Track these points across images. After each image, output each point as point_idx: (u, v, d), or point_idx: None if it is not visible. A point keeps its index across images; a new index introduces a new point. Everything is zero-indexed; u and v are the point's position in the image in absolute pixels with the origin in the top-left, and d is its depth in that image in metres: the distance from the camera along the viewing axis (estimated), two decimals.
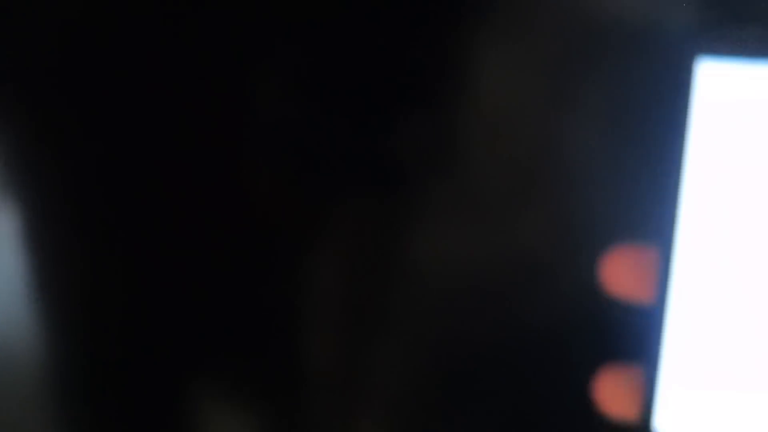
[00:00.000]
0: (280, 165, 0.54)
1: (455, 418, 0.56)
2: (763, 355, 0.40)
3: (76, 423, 0.59)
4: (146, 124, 0.54)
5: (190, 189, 0.55)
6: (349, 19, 0.52)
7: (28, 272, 0.57)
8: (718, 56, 0.40)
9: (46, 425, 0.59)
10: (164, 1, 0.53)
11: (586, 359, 0.45)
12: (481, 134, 0.52)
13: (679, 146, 0.41)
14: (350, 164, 0.53)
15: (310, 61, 0.53)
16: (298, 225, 0.55)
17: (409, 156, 0.53)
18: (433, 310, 0.55)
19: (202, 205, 0.55)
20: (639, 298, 0.41)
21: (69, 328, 0.58)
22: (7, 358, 0.58)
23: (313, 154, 0.53)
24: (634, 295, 0.41)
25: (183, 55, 0.53)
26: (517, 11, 0.51)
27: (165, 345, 0.57)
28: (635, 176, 0.50)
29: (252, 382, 0.57)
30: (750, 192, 0.40)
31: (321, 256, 0.55)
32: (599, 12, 0.50)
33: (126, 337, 0.57)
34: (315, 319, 0.56)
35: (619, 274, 0.41)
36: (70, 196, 0.56)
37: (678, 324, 0.40)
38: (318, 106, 0.53)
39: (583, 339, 0.47)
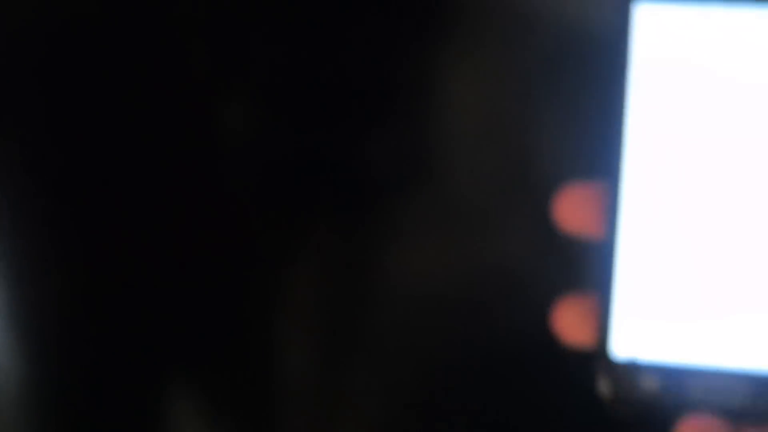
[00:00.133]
0: (255, 179, 0.54)
1: None
2: (713, 283, 0.42)
3: None
4: (120, 136, 0.54)
5: (166, 201, 0.55)
6: (324, 32, 0.53)
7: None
8: None
9: None
10: (139, 19, 0.53)
11: (570, 369, 0.46)
12: (455, 147, 0.54)
13: (621, 87, 0.43)
14: (326, 178, 0.54)
15: (285, 74, 0.54)
16: (273, 239, 0.55)
17: (384, 169, 0.54)
18: (409, 324, 0.56)
19: (179, 216, 0.55)
20: (592, 233, 0.43)
21: (42, 339, 0.57)
22: None
23: (289, 167, 0.54)
24: (587, 230, 0.43)
25: (162, 65, 0.54)
26: (487, 23, 0.52)
27: (140, 358, 0.57)
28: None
29: (226, 397, 0.57)
30: (692, 127, 0.43)
31: (297, 269, 0.55)
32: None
33: (100, 348, 0.57)
34: (290, 334, 0.56)
35: (571, 210, 0.43)
36: (43, 202, 0.56)
37: (631, 254, 0.43)
38: (293, 119, 0.54)
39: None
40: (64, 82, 0.55)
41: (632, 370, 0.42)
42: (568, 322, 0.43)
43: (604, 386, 0.43)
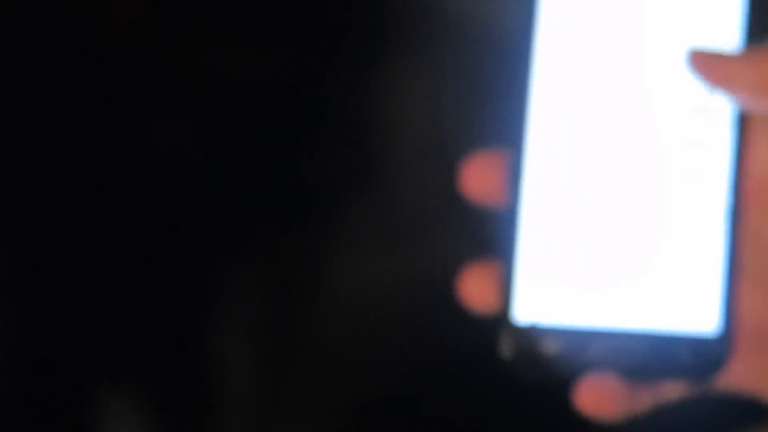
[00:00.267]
0: (197, 186, 0.54)
1: None
2: (609, 249, 0.44)
3: None
4: (56, 141, 0.53)
5: (105, 204, 0.54)
6: (269, 48, 0.52)
7: None
8: None
9: None
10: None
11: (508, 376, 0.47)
12: (397, 161, 0.54)
13: (524, 63, 0.44)
14: (269, 191, 0.53)
15: (231, 87, 0.53)
16: (216, 249, 0.54)
17: (326, 183, 0.53)
18: (348, 332, 0.56)
19: (119, 220, 0.54)
20: (496, 201, 0.44)
21: None
22: None
23: (232, 179, 0.53)
24: (491, 198, 0.44)
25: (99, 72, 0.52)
26: (425, 43, 0.52)
27: (75, 360, 0.55)
28: None
29: (164, 404, 0.56)
30: (589, 97, 0.44)
31: (239, 280, 0.55)
32: None
33: (35, 349, 0.56)
34: (231, 343, 0.56)
35: (475, 179, 0.44)
36: None
37: (532, 221, 0.44)
38: (237, 131, 0.53)
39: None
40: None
41: (533, 333, 0.44)
42: (473, 289, 0.44)
43: (506, 350, 0.44)
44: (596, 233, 0.44)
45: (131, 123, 0.55)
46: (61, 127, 0.55)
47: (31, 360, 0.56)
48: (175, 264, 0.56)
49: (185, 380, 0.57)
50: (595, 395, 0.43)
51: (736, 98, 0.43)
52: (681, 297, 0.45)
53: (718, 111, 0.44)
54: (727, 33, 0.44)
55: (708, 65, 0.43)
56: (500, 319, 0.44)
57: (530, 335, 0.44)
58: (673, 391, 0.45)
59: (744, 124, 0.44)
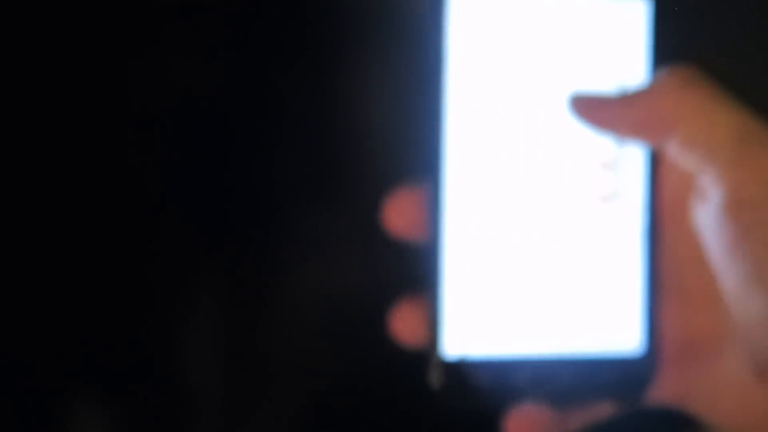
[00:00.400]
0: (161, 201, 0.53)
1: None
2: (531, 278, 0.45)
3: None
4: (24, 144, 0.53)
5: (73, 211, 0.53)
6: (229, 52, 0.52)
7: None
8: None
9: None
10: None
11: None
12: (359, 167, 0.54)
13: (438, 87, 0.44)
14: (229, 198, 0.53)
15: (187, 93, 0.52)
16: (176, 259, 0.54)
17: (287, 190, 0.53)
18: (309, 341, 0.55)
19: (84, 237, 0.53)
20: (418, 235, 0.44)
21: None
22: None
23: (194, 189, 0.53)
24: (413, 233, 0.44)
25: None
26: (390, 44, 0.52)
27: (45, 368, 0.55)
28: None
29: (129, 415, 0.56)
30: (507, 127, 0.44)
31: (199, 288, 0.55)
32: None
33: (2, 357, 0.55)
34: (193, 353, 0.56)
35: (397, 214, 0.44)
36: None
37: (455, 254, 0.44)
38: (196, 138, 0.53)
39: None
40: None
41: (462, 366, 0.44)
42: (403, 325, 0.44)
43: (436, 382, 0.44)
44: (517, 264, 0.45)
45: (82, 132, 0.55)
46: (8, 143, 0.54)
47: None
48: (140, 272, 0.56)
49: (152, 391, 0.57)
50: (524, 425, 0.44)
51: (618, 138, 0.44)
52: (604, 320, 0.45)
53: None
54: (631, 71, 0.45)
55: (588, 108, 0.44)
56: (429, 353, 0.44)
57: (459, 368, 0.44)
58: (603, 410, 0.46)
59: (655, 152, 0.45)
